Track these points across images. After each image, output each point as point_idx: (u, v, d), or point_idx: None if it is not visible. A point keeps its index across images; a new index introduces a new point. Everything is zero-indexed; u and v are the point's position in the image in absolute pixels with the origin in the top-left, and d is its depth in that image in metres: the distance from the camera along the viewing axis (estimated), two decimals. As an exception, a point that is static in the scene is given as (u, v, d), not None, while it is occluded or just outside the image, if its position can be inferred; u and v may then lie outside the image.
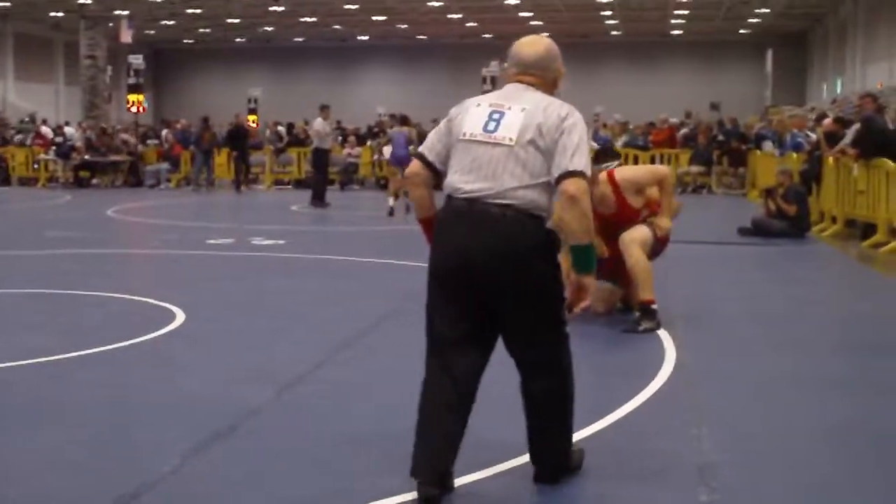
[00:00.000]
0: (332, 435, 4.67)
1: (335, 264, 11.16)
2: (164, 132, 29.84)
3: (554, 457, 4.01)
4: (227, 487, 4.02)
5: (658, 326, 7.08)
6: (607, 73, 48.03)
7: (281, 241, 13.05)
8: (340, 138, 27.26)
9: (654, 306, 7.14)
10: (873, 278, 10.72)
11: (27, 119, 35.69)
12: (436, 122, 24.53)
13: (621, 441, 4.62)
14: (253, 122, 35.29)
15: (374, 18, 43.99)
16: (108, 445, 4.56)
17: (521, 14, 42.10)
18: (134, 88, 28.97)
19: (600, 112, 33.80)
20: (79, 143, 27.07)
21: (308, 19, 44.27)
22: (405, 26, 46.87)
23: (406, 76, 52.46)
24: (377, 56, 52.85)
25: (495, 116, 3.84)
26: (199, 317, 7.65)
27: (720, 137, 24.33)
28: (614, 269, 7.41)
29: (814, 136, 18.30)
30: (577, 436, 4.19)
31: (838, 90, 39.98)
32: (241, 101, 38.54)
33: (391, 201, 17.35)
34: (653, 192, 7.48)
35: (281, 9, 39.73)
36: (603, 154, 7.81)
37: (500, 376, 3.99)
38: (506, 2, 39.57)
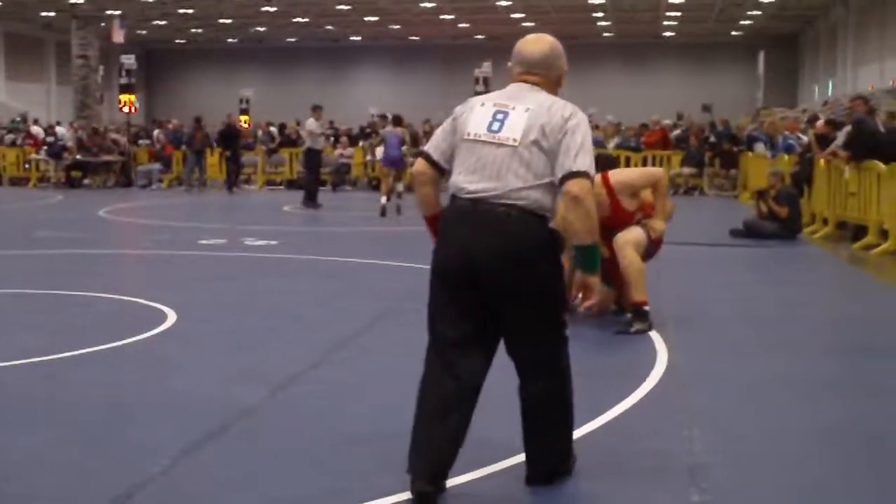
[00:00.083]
0: (326, 435, 4.67)
1: (327, 265, 11.16)
2: (156, 132, 29.80)
3: (549, 460, 4.01)
4: (221, 488, 4.02)
5: (650, 328, 7.09)
6: (599, 75, 48.06)
7: (273, 242, 13.04)
8: (332, 139, 27.24)
9: (647, 307, 7.16)
10: (864, 280, 10.75)
11: (18, 119, 35.60)
12: (428, 122, 24.67)
13: (613, 442, 4.63)
14: (245, 122, 35.22)
15: (366, 19, 44.00)
16: (101, 445, 4.56)
17: (514, 15, 42.16)
18: (126, 88, 28.87)
19: (593, 113, 33.74)
20: (70, 143, 27.01)
21: (300, 20, 44.26)
22: (398, 27, 46.90)
23: (398, 77, 52.47)
24: (369, 57, 52.85)
25: (499, 116, 3.84)
26: (191, 317, 7.64)
27: (712, 139, 24.38)
28: (607, 270, 7.41)
29: (805, 139, 18.36)
30: (569, 437, 4.20)
31: (829, 92, 40.12)
32: (233, 101, 38.45)
33: (383, 200, 17.34)
34: (646, 194, 7.50)
35: (273, 9, 39.72)
36: (605, 162, 7.75)
37: (496, 377, 3.99)
38: (498, 3, 39.61)
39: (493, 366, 3.97)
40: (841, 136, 14.23)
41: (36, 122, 33.18)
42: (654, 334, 6.99)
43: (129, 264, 12.17)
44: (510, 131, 3.80)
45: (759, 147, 21.52)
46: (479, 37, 48.14)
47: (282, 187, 26.32)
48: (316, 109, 19.89)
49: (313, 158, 19.98)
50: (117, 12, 34.65)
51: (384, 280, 9.86)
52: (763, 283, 10.27)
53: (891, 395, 5.66)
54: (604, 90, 45.96)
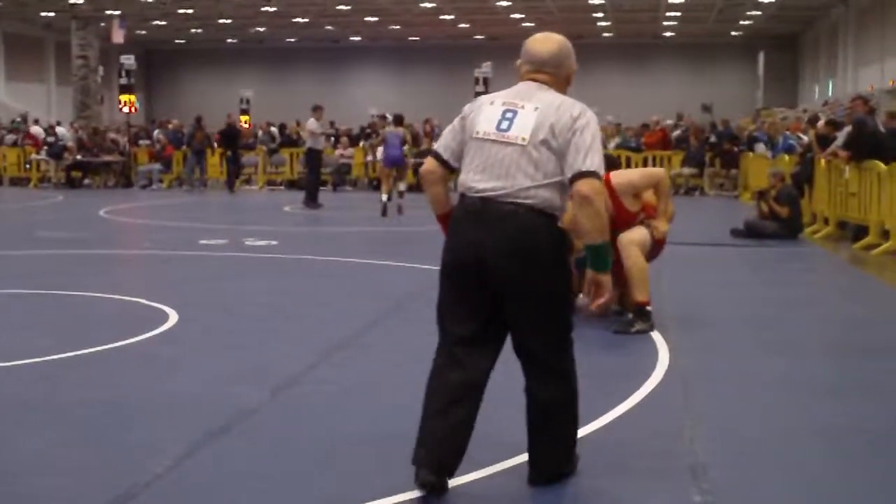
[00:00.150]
0: (327, 435, 4.67)
1: (328, 265, 11.15)
2: (156, 132, 29.80)
3: (552, 462, 4.02)
4: (222, 488, 4.02)
5: (651, 328, 7.09)
6: (599, 75, 48.05)
7: (274, 242, 13.04)
8: (333, 139, 27.24)
9: (649, 308, 7.17)
10: (865, 280, 10.75)
11: (18, 119, 35.60)
12: (428, 122, 24.60)
13: (614, 442, 4.63)
14: (245, 122, 35.23)
15: (366, 19, 43.99)
16: (102, 446, 4.56)
17: (513, 16, 42.15)
18: (125, 89, 28.86)
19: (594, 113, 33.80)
20: (71, 144, 27.01)
21: (300, 20, 44.25)
22: (397, 27, 46.90)
23: (398, 77, 52.48)
24: (369, 57, 52.85)
25: (508, 115, 3.85)
26: (192, 317, 7.64)
27: (712, 139, 24.38)
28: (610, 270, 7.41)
29: (806, 139, 18.36)
30: (571, 437, 4.20)
31: (830, 92, 40.11)
32: (233, 101, 38.45)
33: (384, 198, 17.35)
34: (648, 195, 7.50)
35: (273, 9, 39.69)
36: (607, 163, 7.77)
37: (499, 376, 4.00)
38: (498, 3, 39.61)
39: (495, 366, 3.98)
40: (841, 137, 14.24)
41: (36, 122, 33.18)
42: (655, 334, 7.00)
43: (130, 264, 12.17)
44: (519, 130, 3.80)
45: (760, 147, 21.53)
46: (479, 37, 48.15)
47: (282, 187, 26.33)
48: (317, 109, 19.88)
49: (314, 158, 19.97)
50: (117, 12, 34.66)
51: (385, 280, 9.86)
52: (764, 284, 10.27)
53: (892, 395, 5.66)
54: (603, 90, 45.94)
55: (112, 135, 28.33)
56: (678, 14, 41.57)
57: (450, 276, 3.91)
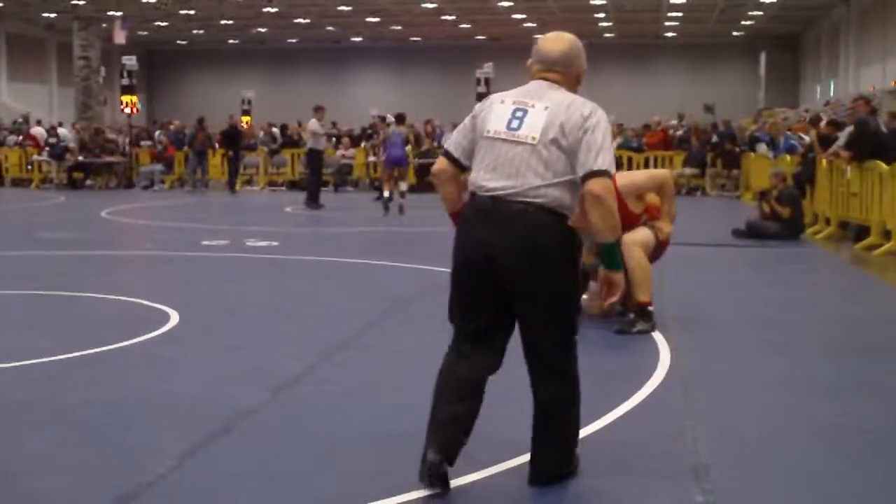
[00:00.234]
0: (328, 435, 4.67)
1: (329, 266, 11.15)
2: (158, 133, 29.81)
3: (553, 462, 4.02)
4: (222, 488, 4.02)
5: (653, 328, 7.09)
6: (601, 75, 47.98)
7: (275, 243, 13.04)
8: (334, 140, 27.25)
9: (651, 308, 7.17)
10: (866, 281, 10.75)
11: (20, 120, 35.62)
12: (429, 123, 24.57)
13: (616, 442, 4.63)
14: (246, 123, 35.24)
15: (367, 20, 44.00)
16: (104, 446, 4.56)
17: (515, 16, 42.15)
18: (127, 89, 28.88)
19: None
20: (72, 145, 27.02)
21: (301, 21, 44.26)
22: (399, 28, 46.90)
23: (399, 78, 52.48)
24: (371, 57, 52.86)
25: (518, 114, 3.86)
26: (193, 318, 7.65)
27: (714, 139, 24.38)
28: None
29: (807, 139, 18.35)
30: (572, 437, 4.20)
31: (831, 93, 40.09)
32: (234, 102, 38.45)
33: (386, 194, 17.38)
34: (651, 196, 7.50)
35: (274, 10, 39.70)
36: None
37: (501, 376, 4.01)
38: (499, 4, 39.60)
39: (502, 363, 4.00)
40: (843, 137, 14.23)
41: (39, 123, 33.21)
42: (656, 335, 7.00)
43: (132, 265, 12.18)
44: (529, 129, 3.82)
45: (762, 147, 21.53)
46: (481, 37, 48.14)
47: (283, 188, 26.34)
48: (318, 110, 19.89)
49: (315, 159, 19.97)
50: (119, 13, 34.68)
51: (385, 281, 9.85)
52: (765, 284, 10.26)
53: (892, 395, 5.66)
54: (605, 90, 45.80)
55: (111, 135, 28.30)
56: (680, 14, 41.57)
57: (460, 274, 3.94)
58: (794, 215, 13.67)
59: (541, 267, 3.78)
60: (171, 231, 15.28)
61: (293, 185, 25.86)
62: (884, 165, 12.41)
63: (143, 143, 29.36)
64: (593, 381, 4.99)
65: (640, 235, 7.31)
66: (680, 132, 26.38)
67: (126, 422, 4.95)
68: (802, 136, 19.92)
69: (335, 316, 7.92)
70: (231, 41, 52.41)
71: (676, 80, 49.52)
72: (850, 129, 14.20)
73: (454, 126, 25.95)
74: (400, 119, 18.86)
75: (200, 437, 4.61)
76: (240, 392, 5.46)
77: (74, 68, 34.47)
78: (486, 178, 3.86)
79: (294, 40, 51.71)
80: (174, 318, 7.60)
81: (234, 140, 24.65)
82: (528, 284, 3.81)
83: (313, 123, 19.84)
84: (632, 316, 7.22)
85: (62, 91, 45.33)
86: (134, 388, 5.60)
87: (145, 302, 8.31)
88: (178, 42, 53.15)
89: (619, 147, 24.40)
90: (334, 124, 30.23)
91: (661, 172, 8.36)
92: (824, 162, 14.62)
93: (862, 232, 13.17)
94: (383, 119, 24.93)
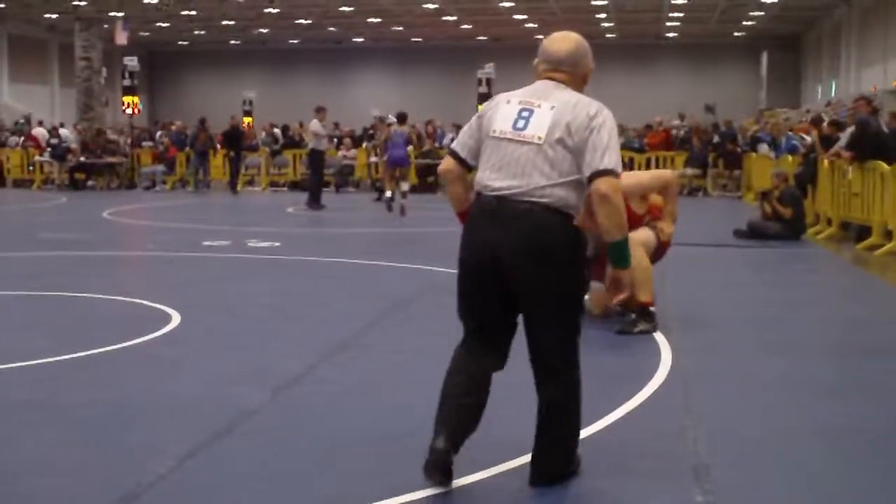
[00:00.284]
0: (328, 436, 4.67)
1: (331, 266, 11.16)
2: (159, 134, 29.82)
3: (554, 463, 4.02)
4: (223, 488, 4.02)
5: (654, 329, 7.09)
6: (602, 76, 47.69)
7: (276, 244, 13.05)
8: (336, 140, 27.25)
9: (653, 308, 7.17)
10: (868, 281, 10.74)
11: (22, 121, 35.65)
12: (430, 123, 24.56)
13: (617, 442, 4.63)
14: (248, 124, 35.26)
15: (368, 20, 44.01)
16: (105, 447, 4.56)
17: (516, 16, 42.14)
18: (129, 90, 28.92)
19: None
20: (74, 145, 27.03)
21: (303, 21, 44.27)
22: (400, 28, 46.91)
23: (401, 78, 52.49)
24: (372, 58, 52.88)
25: (524, 114, 3.87)
26: (194, 318, 7.65)
27: (716, 139, 24.38)
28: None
29: (809, 139, 18.34)
30: (573, 437, 4.21)
31: (832, 93, 40.07)
32: (235, 103, 38.50)
33: (388, 194, 17.39)
34: (655, 196, 7.51)
35: (276, 11, 39.72)
36: None
37: (501, 375, 4.01)
38: (500, 4, 39.60)
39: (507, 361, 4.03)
40: (844, 137, 14.22)
41: (41, 123, 33.23)
42: (657, 335, 7.00)
43: (133, 266, 12.19)
44: (535, 129, 3.83)
45: (763, 148, 21.53)
46: (482, 38, 48.14)
47: (285, 189, 26.34)
48: (320, 111, 19.90)
49: (317, 160, 19.97)
50: (120, 14, 34.70)
51: (386, 281, 9.86)
52: (767, 284, 10.26)
53: (892, 395, 5.66)
54: (606, 91, 45.65)
55: (111, 135, 28.30)
56: (681, 15, 41.56)
57: (466, 273, 3.96)
58: (795, 216, 13.67)
59: (547, 267, 3.79)
60: (172, 232, 15.29)
61: (295, 186, 25.87)
62: (885, 166, 12.41)
63: (144, 143, 29.38)
64: (595, 381, 5.00)
65: (642, 236, 7.31)
66: (681, 132, 26.37)
67: (127, 422, 4.95)
68: (804, 136, 19.92)
69: (336, 316, 7.92)
70: (232, 42, 52.43)
71: (677, 81, 49.51)
72: (851, 129, 14.19)
73: (455, 127, 26.04)
74: (402, 118, 18.84)
75: (201, 438, 4.61)
76: (241, 392, 5.46)
77: (76, 69, 34.49)
78: (491, 178, 3.87)
79: (295, 41, 51.73)
80: (175, 318, 7.60)
81: (235, 141, 24.67)
82: (533, 284, 3.82)
83: (315, 124, 19.84)
84: (633, 316, 7.21)
85: (64, 92, 45.35)
86: (135, 389, 5.60)
87: (147, 302, 8.31)
88: (180, 43, 53.17)
89: (621, 147, 24.33)
90: (337, 125, 30.24)
91: (665, 173, 8.36)
92: (826, 162, 14.62)
93: (863, 232, 13.17)
94: (382, 120, 24.94)
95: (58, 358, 6.26)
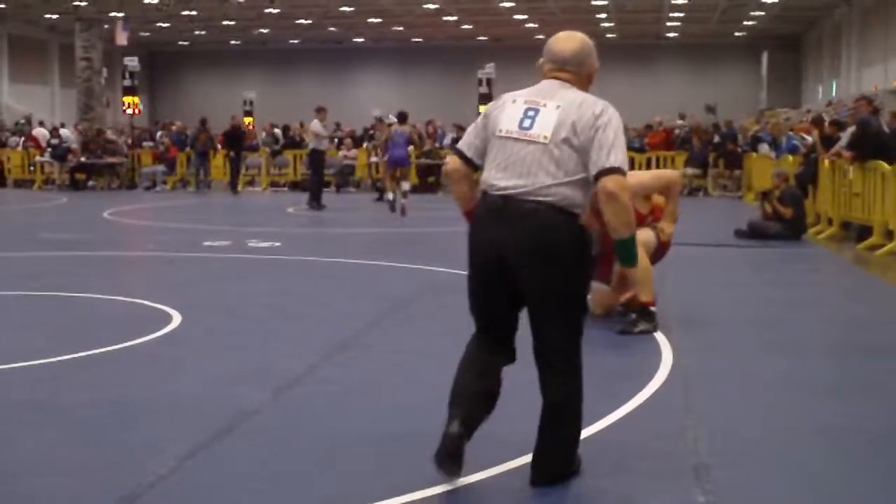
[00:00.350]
0: (329, 436, 4.67)
1: (331, 266, 11.15)
2: (160, 134, 29.82)
3: (555, 463, 4.02)
4: (225, 488, 4.02)
5: (655, 329, 7.08)
6: (602, 76, 46.97)
7: (277, 244, 13.04)
8: (336, 140, 27.24)
9: (653, 308, 7.16)
10: (868, 281, 10.74)
11: (23, 121, 35.65)
12: (431, 123, 24.56)
13: (618, 442, 4.62)
14: (248, 124, 35.27)
15: (369, 21, 44.02)
16: (106, 447, 4.56)
17: (517, 17, 42.15)
18: (129, 91, 28.95)
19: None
20: (74, 146, 27.04)
21: (303, 21, 44.29)
22: (400, 28, 46.92)
23: (401, 78, 52.51)
24: (372, 58, 52.89)
25: (530, 114, 3.88)
26: (195, 319, 7.65)
27: (717, 139, 24.37)
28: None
29: (809, 139, 18.34)
30: (573, 437, 4.20)
31: (833, 93, 40.07)
32: (236, 103, 38.53)
33: (390, 196, 17.38)
34: (657, 197, 7.50)
35: (276, 11, 39.73)
36: None
37: (505, 374, 4.01)
38: (501, 4, 39.61)
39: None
40: (845, 137, 14.21)
41: (41, 123, 33.23)
42: (658, 335, 6.99)
43: (134, 266, 12.18)
44: (541, 128, 3.83)
45: (764, 147, 21.51)
46: (482, 38, 48.15)
47: (286, 189, 26.34)
48: (320, 111, 19.89)
49: (317, 160, 19.97)
50: (121, 15, 34.71)
51: (387, 281, 9.85)
52: (767, 284, 10.26)
53: (893, 395, 5.66)
54: (607, 91, 45.07)
55: (111, 136, 28.31)
56: (681, 15, 41.56)
57: (473, 273, 4.00)
58: (796, 215, 13.66)
59: (552, 266, 3.80)
60: (173, 232, 15.29)
61: (295, 186, 25.86)
62: (886, 165, 12.41)
63: (145, 144, 29.38)
64: (596, 381, 5.00)
65: (642, 236, 7.29)
66: (681, 132, 26.37)
67: (127, 422, 4.95)
68: (804, 136, 19.91)
69: (336, 316, 7.92)
70: (233, 42, 52.45)
71: (678, 81, 49.52)
72: (852, 129, 14.18)
73: (456, 127, 26.04)
74: (402, 118, 18.83)
75: (202, 438, 4.61)
76: (241, 392, 5.46)
77: (76, 69, 34.51)
78: (497, 177, 3.88)
79: (296, 41, 51.75)
80: (176, 318, 7.60)
81: (236, 141, 24.67)
82: (539, 283, 3.83)
83: (316, 124, 19.83)
84: (634, 316, 7.21)
85: (64, 92, 45.38)
86: (135, 389, 5.60)
87: (147, 303, 8.31)
88: (180, 43, 53.18)
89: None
90: (338, 125, 30.24)
91: (668, 173, 8.34)
92: (826, 162, 14.61)
93: (864, 232, 13.16)
94: (382, 120, 24.94)
95: (58, 358, 6.26)
